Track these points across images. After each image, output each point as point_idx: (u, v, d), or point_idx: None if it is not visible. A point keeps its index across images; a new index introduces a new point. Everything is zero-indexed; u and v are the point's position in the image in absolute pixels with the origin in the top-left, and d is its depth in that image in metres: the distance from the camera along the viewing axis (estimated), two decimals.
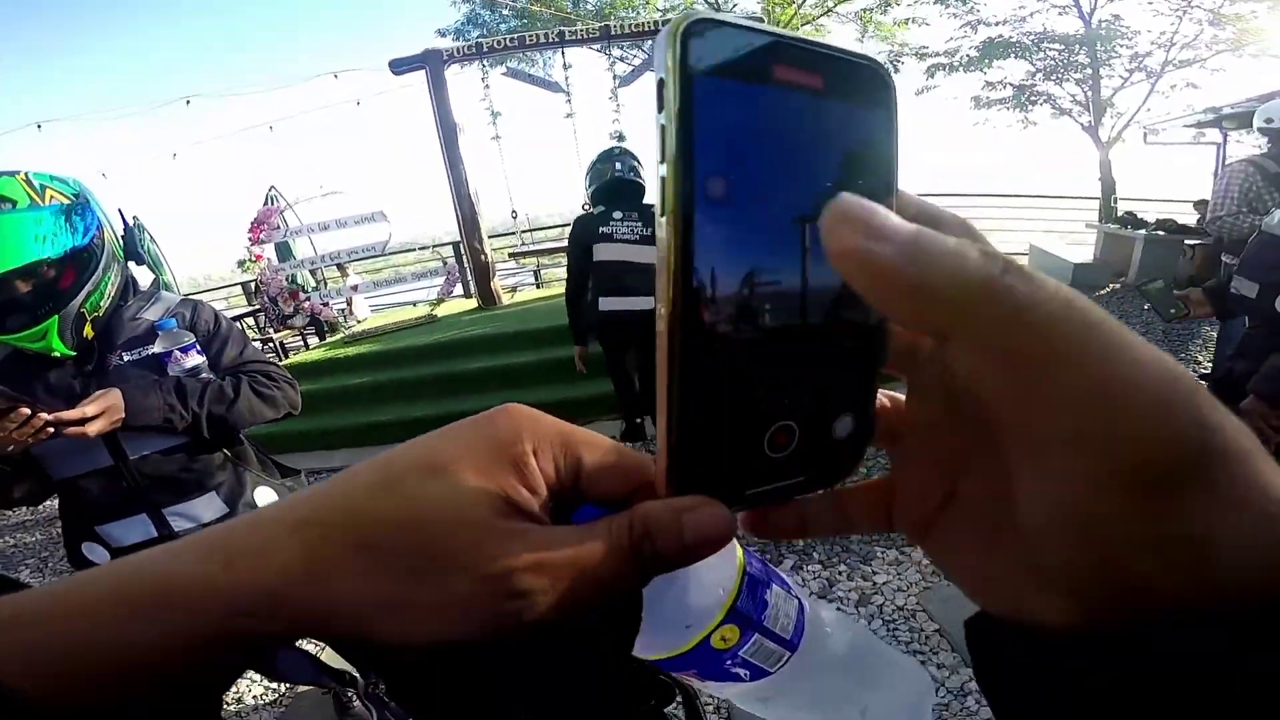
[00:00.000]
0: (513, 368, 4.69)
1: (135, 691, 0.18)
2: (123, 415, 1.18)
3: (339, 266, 6.95)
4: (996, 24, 11.37)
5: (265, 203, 7.26)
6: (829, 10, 12.70)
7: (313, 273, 6.57)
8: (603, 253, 2.62)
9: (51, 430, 1.11)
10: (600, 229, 2.64)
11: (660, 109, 0.16)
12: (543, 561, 0.19)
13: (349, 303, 7.31)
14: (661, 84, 0.16)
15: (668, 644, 0.28)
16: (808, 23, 12.94)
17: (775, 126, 0.17)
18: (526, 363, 4.70)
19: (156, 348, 1.29)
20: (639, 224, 2.59)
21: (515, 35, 6.29)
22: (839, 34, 13.65)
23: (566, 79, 5.79)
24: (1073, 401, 0.14)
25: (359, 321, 7.01)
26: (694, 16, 0.16)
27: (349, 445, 4.61)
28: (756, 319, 0.18)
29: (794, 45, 0.17)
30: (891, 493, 0.22)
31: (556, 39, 5.24)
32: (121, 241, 1.33)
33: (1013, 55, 11.39)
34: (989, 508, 0.18)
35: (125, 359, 1.28)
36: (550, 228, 5.24)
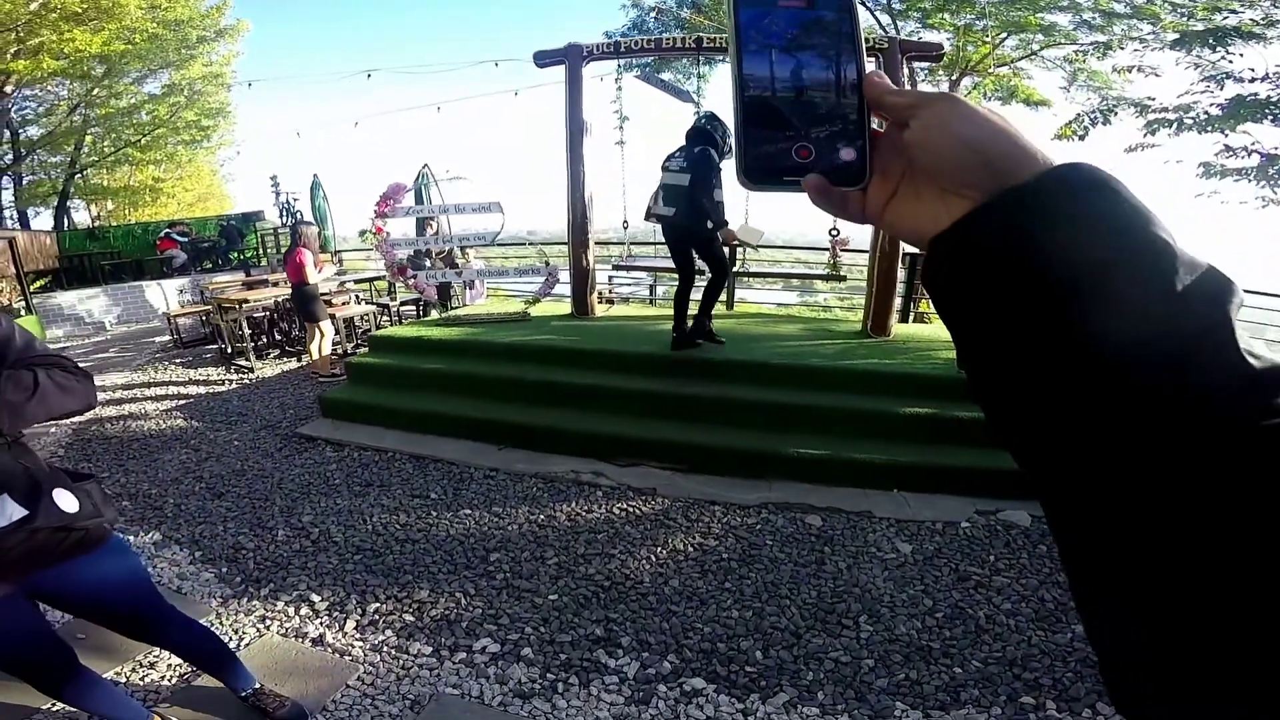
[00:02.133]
0: (576, 388, 4.41)
1: None
2: None
3: (461, 249, 7.14)
4: (1251, 80, 9.30)
5: (417, 178, 7.68)
6: (1031, 54, 11.26)
7: (439, 253, 6.83)
8: (662, 178, 4.21)
9: None
10: (665, 163, 4.21)
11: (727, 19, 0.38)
12: None
13: (467, 284, 7.52)
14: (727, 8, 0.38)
15: None
16: (1004, 64, 11.57)
17: (780, 21, 0.38)
18: (590, 385, 4.39)
19: None
20: (681, 160, 4.09)
21: (653, 39, 6.04)
22: (1041, 80, 12.05)
23: (699, 89, 5.43)
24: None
25: (464, 305, 7.16)
26: None
27: (403, 428, 4.57)
28: (775, 94, 0.37)
29: None
30: (863, 200, 0.39)
31: (694, 44, 4.91)
32: None
33: (1269, 118, 9.29)
34: (915, 188, 0.37)
35: None
36: (659, 243, 4.87)
